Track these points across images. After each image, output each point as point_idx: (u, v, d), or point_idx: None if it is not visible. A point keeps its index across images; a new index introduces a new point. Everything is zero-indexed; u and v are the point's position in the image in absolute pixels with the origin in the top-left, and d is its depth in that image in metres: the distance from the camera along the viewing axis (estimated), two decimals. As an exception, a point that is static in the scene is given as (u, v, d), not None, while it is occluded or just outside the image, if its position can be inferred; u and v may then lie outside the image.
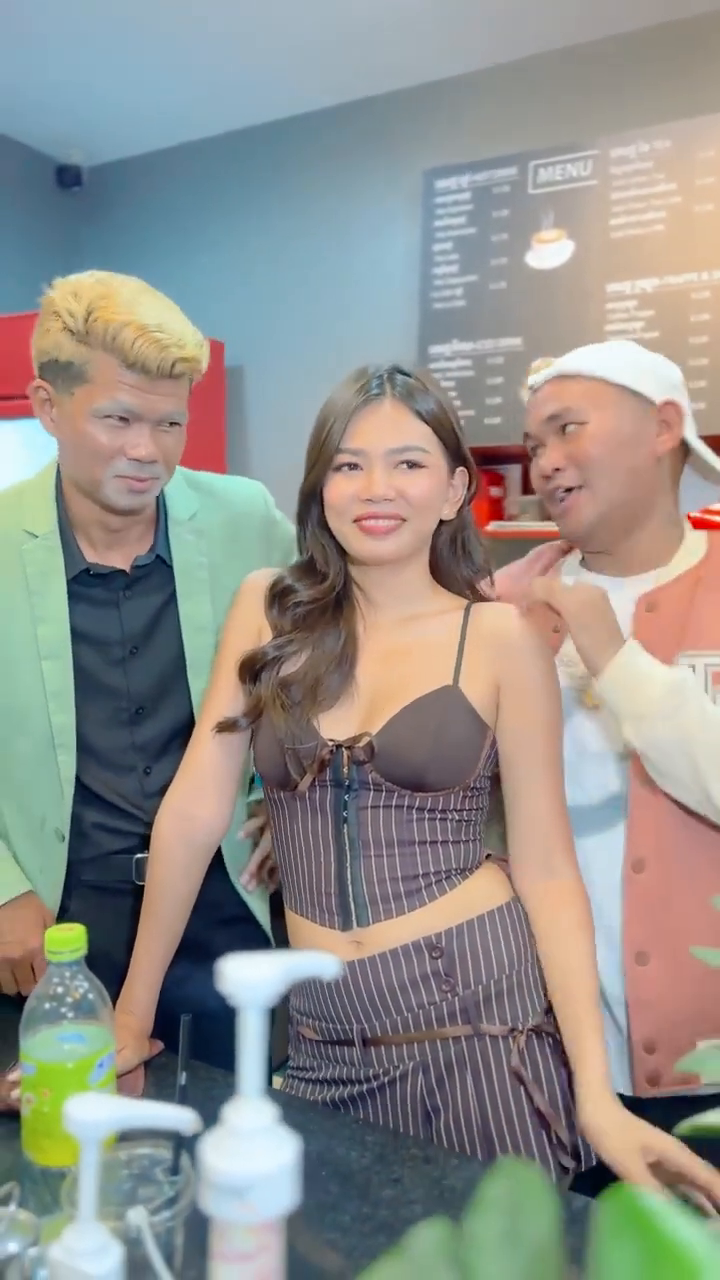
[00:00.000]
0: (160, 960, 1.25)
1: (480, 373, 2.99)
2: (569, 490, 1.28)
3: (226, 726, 1.23)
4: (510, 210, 2.92)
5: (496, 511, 3.11)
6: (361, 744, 1.14)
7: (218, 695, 1.26)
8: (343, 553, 1.22)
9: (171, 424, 1.27)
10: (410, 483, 1.15)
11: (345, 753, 1.14)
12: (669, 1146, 1.00)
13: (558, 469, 1.28)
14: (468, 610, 1.22)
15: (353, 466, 1.16)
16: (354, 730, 1.15)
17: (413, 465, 1.15)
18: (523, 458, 3.19)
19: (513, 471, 3.20)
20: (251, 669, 1.22)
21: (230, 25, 2.98)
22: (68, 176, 3.95)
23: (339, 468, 1.16)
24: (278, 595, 1.25)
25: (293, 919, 1.21)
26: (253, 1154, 0.52)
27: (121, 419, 1.23)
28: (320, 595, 1.22)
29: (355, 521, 1.15)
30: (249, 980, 0.52)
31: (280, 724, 1.16)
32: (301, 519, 1.24)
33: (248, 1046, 0.52)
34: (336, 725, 1.16)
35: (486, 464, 3.19)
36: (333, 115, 3.51)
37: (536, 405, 1.32)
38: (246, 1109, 0.53)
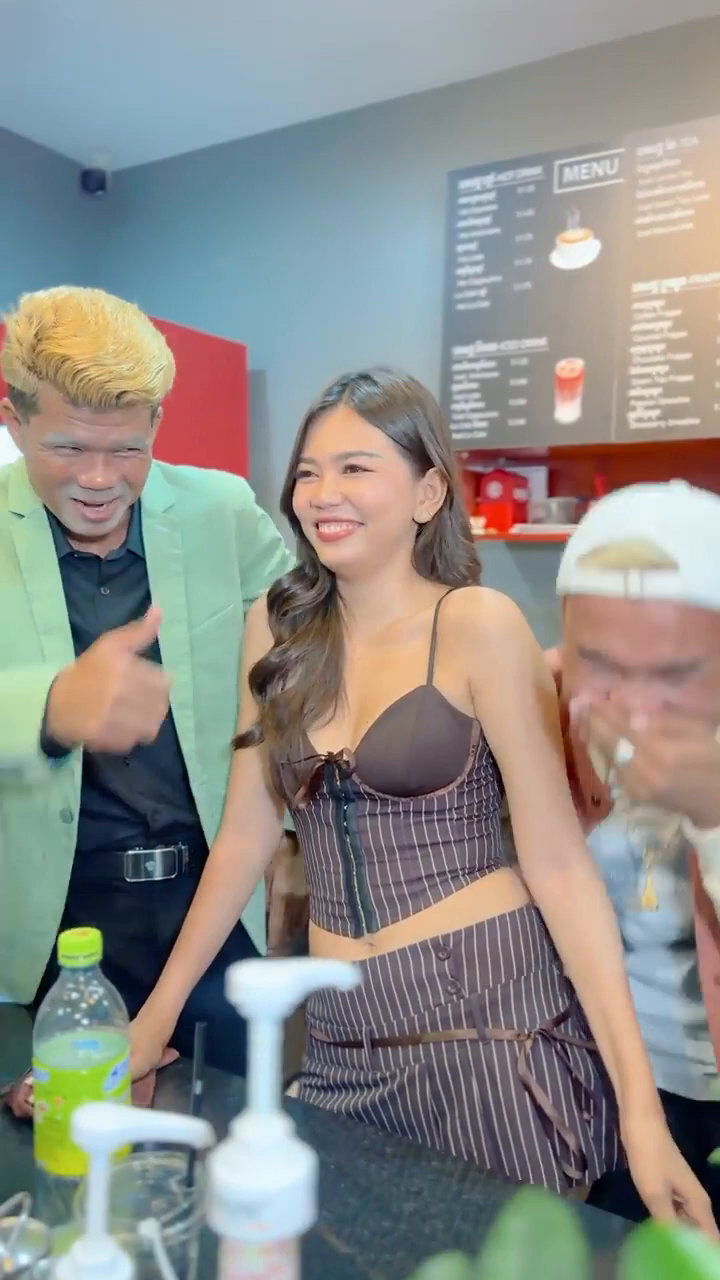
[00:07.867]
0: (194, 972, 1.26)
1: (504, 374, 2.96)
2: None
3: (242, 741, 1.28)
4: (535, 210, 2.90)
5: (520, 514, 3.06)
6: (343, 757, 1.15)
7: (243, 715, 1.31)
8: None
9: (130, 449, 1.23)
10: (355, 488, 1.14)
11: (335, 767, 1.16)
12: (697, 1200, 0.98)
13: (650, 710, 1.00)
14: (439, 604, 1.19)
15: (308, 474, 1.18)
16: (345, 743, 1.17)
17: (358, 469, 1.14)
18: (549, 459, 3.16)
19: (537, 474, 3.16)
20: (257, 680, 1.25)
21: (252, 31, 2.98)
22: (92, 181, 3.97)
23: (301, 475, 1.19)
24: (276, 601, 1.27)
25: (313, 930, 1.24)
26: (264, 1170, 0.50)
27: (73, 449, 1.20)
28: (312, 599, 1.25)
29: (315, 527, 1.17)
30: (262, 988, 0.50)
31: (271, 741, 1.21)
32: (295, 528, 1.25)
33: (260, 1059, 0.50)
34: (329, 739, 1.18)
35: (510, 466, 3.16)
36: (355, 118, 3.50)
37: (634, 630, 0.98)
38: (258, 1123, 0.51)
